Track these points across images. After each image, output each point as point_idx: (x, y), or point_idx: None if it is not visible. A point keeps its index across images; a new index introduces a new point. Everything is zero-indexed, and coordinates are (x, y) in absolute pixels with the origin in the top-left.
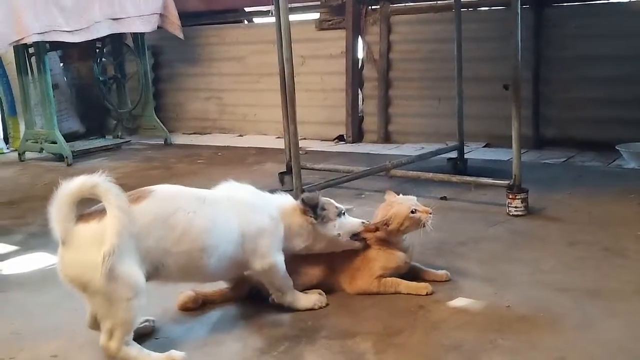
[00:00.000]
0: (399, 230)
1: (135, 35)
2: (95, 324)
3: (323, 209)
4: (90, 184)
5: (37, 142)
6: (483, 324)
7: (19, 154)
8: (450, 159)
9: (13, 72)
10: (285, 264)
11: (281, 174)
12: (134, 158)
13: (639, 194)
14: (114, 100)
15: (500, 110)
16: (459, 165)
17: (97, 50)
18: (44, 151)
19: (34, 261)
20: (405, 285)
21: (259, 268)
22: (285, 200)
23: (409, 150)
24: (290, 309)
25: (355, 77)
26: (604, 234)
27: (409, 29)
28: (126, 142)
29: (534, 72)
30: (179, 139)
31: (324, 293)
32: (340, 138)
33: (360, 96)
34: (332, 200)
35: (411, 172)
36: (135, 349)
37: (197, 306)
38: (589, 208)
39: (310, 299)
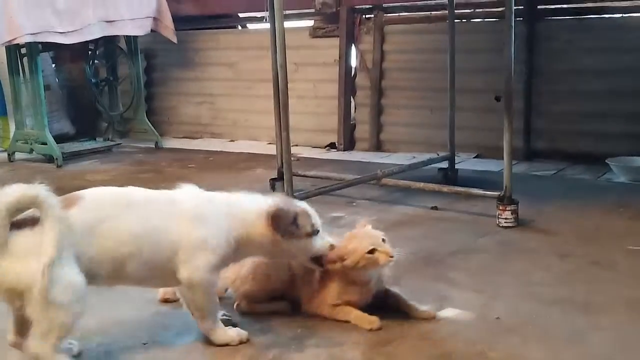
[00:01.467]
0: (354, 267)
1: (128, 38)
2: (20, 334)
3: (296, 225)
4: (31, 195)
5: (27, 143)
6: (472, 335)
7: (8, 155)
8: (441, 169)
9: (4, 72)
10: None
11: (272, 180)
12: (125, 161)
13: (629, 207)
14: (105, 102)
15: (491, 121)
16: (450, 176)
17: (90, 52)
18: (33, 152)
19: None
20: (355, 315)
21: (184, 280)
22: (250, 206)
23: (400, 159)
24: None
25: (348, 85)
26: (593, 247)
27: (402, 39)
28: (117, 144)
29: (525, 84)
30: (170, 143)
31: (244, 332)
32: (332, 146)
33: (352, 104)
34: (313, 213)
35: (402, 181)
36: (64, 357)
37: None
38: (579, 221)
39: (229, 333)
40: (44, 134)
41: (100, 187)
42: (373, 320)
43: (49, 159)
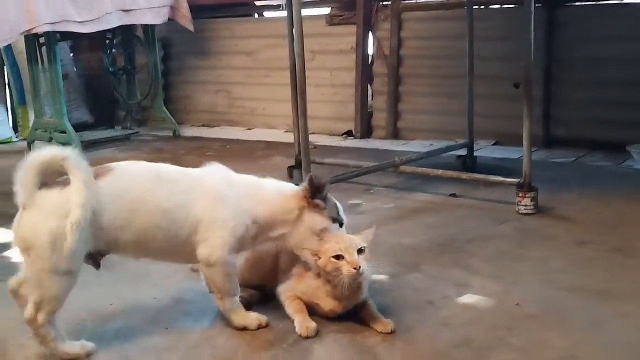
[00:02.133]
0: (322, 268)
1: (145, 27)
2: (15, 291)
3: (325, 198)
4: (62, 156)
5: (46, 132)
6: (492, 321)
7: (28, 143)
8: (459, 156)
9: (23, 62)
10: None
11: (290, 167)
12: (143, 149)
13: None
14: (123, 91)
15: (510, 109)
16: (468, 163)
17: (107, 42)
18: (52, 140)
19: None
20: (298, 317)
21: (202, 258)
22: (275, 186)
23: (418, 146)
24: None
25: (365, 73)
26: (613, 234)
27: (420, 26)
28: (135, 133)
29: (544, 71)
30: (188, 132)
31: (263, 317)
32: (348, 133)
33: (369, 92)
34: (340, 207)
35: (420, 168)
36: (52, 330)
37: None
38: (599, 208)
39: (248, 317)
40: (63, 122)
41: (131, 161)
42: (304, 328)
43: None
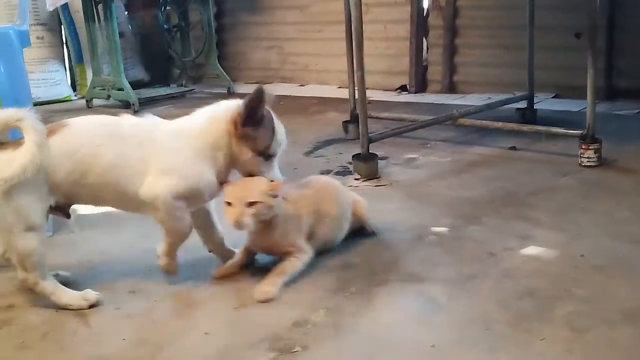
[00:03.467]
0: None
1: None
2: (4, 257)
3: (258, 124)
4: (16, 117)
5: (104, 90)
6: (556, 273)
7: (86, 101)
8: (518, 109)
9: (80, 21)
10: None
11: (345, 122)
12: (199, 105)
13: None
14: (177, 49)
15: (570, 60)
16: (528, 116)
17: None
18: (110, 98)
19: None
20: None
21: (143, 196)
22: (207, 115)
23: (475, 100)
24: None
25: (419, 26)
26: None
27: None
28: (190, 90)
29: (608, 19)
30: (241, 88)
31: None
32: (402, 88)
33: (424, 45)
34: (281, 133)
35: (479, 121)
36: (51, 283)
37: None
38: None
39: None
40: (121, 80)
41: (88, 117)
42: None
43: (126, 104)
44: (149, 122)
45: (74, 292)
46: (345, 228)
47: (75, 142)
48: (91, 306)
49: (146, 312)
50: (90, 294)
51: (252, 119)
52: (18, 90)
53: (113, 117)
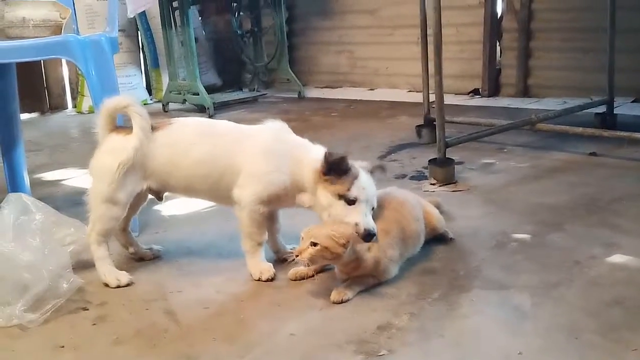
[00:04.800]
0: None
1: None
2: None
3: (342, 172)
4: (124, 104)
5: (179, 94)
6: None
7: (162, 105)
8: (597, 113)
9: (157, 26)
10: None
11: (418, 126)
12: (271, 110)
13: None
14: (250, 54)
15: None
16: (609, 120)
17: (235, 5)
18: (186, 102)
19: (189, 205)
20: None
21: (235, 197)
22: (313, 149)
23: (550, 104)
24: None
25: (493, 29)
26: None
27: None
28: (262, 95)
29: None
30: (312, 93)
31: (273, 270)
32: (475, 92)
33: (498, 48)
34: (368, 185)
35: (558, 126)
36: (103, 250)
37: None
38: None
39: (260, 265)
40: (196, 84)
41: (190, 118)
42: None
43: (201, 108)
44: (244, 130)
45: (113, 269)
46: (422, 240)
47: (175, 137)
48: (118, 286)
49: (234, 311)
50: (124, 277)
51: (335, 170)
52: (109, 95)
53: (211, 120)
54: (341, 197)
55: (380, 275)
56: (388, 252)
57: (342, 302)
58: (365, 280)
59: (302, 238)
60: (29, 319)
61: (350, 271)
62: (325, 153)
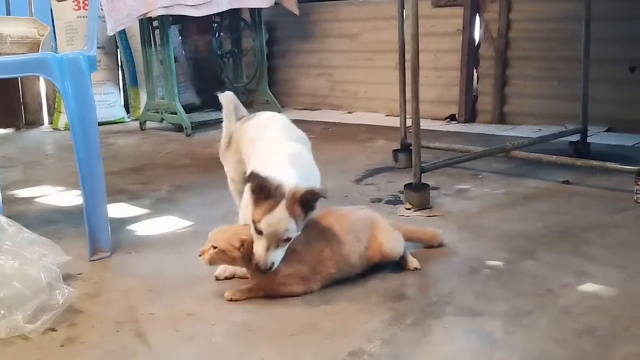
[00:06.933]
0: None
1: (252, 11)
2: None
3: (264, 196)
4: (227, 100)
5: (157, 112)
6: (616, 311)
7: (140, 123)
8: (571, 142)
9: (136, 45)
10: None
11: (395, 151)
12: None
13: None
14: (229, 74)
15: (624, 93)
16: (582, 149)
17: (215, 25)
18: (164, 121)
19: (164, 224)
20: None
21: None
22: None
23: (525, 131)
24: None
25: (470, 56)
26: None
27: (530, 7)
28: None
29: None
30: (290, 114)
31: None
32: (451, 117)
33: (474, 75)
34: (273, 219)
35: (533, 154)
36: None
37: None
38: None
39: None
40: (175, 104)
41: (269, 112)
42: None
43: (179, 128)
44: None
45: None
46: (361, 263)
47: (248, 127)
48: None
49: (205, 335)
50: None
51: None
52: (85, 112)
53: (279, 115)
54: (253, 222)
55: (276, 287)
56: (295, 266)
57: (231, 300)
58: (266, 288)
59: (207, 239)
60: (29, 329)
61: (256, 276)
62: (251, 172)
